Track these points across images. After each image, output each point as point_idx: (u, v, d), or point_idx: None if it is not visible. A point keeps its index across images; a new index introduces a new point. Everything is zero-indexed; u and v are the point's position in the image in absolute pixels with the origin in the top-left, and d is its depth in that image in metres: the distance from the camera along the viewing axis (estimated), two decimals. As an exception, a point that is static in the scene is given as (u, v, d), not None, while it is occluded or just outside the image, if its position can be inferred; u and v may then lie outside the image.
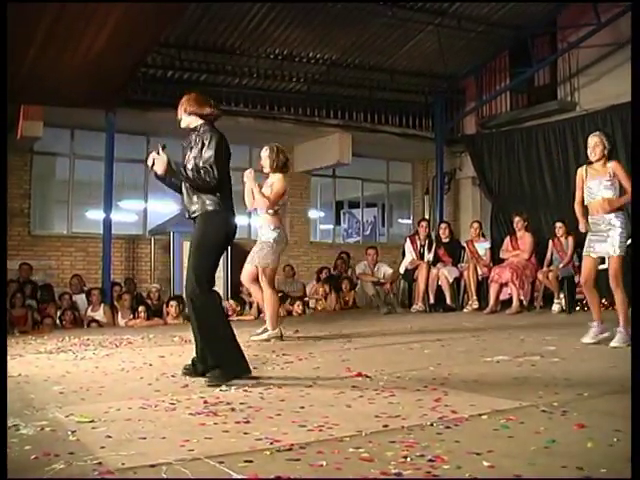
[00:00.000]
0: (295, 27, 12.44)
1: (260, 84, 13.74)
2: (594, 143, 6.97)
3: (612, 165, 6.86)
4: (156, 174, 5.44)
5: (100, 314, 11.36)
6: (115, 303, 11.80)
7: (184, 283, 5.34)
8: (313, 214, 16.31)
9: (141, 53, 10.20)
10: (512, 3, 12.74)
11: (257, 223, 8.55)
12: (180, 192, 5.60)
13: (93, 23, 8.76)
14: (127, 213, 14.47)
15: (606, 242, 6.80)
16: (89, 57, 9.52)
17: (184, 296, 5.58)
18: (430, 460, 2.90)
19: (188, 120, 5.45)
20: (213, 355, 5.14)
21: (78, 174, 13.36)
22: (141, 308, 11.42)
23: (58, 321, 11.13)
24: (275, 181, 7.88)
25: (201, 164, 5.18)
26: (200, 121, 5.40)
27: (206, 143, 5.24)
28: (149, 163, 5.43)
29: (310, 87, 14.23)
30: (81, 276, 12.43)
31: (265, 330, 7.86)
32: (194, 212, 5.32)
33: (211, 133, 5.29)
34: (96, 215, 13.13)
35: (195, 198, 5.30)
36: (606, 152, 6.91)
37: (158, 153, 5.34)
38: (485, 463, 2.84)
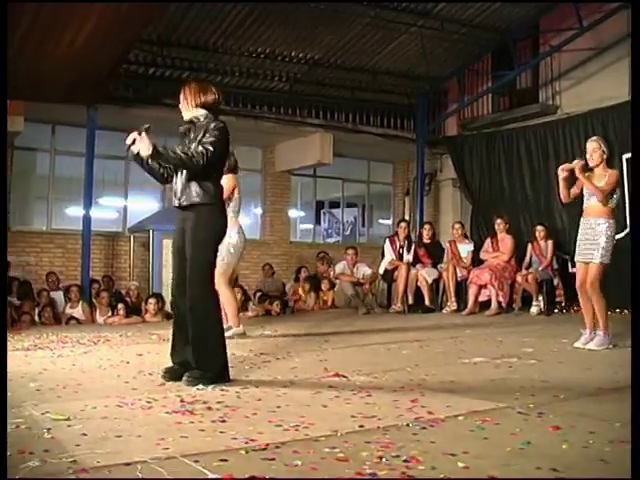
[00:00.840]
0: (278, 26, 12.41)
1: (242, 82, 13.71)
2: (592, 148, 6.98)
3: (609, 174, 6.87)
4: (136, 156, 5.07)
5: (78, 311, 11.30)
6: (94, 300, 11.73)
7: (168, 282, 5.24)
8: (293, 213, 16.31)
9: (123, 49, 10.16)
10: (495, 5, 12.77)
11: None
12: (158, 179, 5.39)
13: (75, 19, 8.72)
14: (107, 210, 14.42)
15: (592, 248, 6.83)
16: (70, 53, 9.47)
17: (170, 293, 5.38)
18: (405, 460, 2.91)
19: (192, 113, 5.22)
20: (199, 358, 4.95)
21: (58, 170, 13.28)
22: (120, 305, 11.37)
23: (37, 318, 11.06)
24: (225, 180, 7.88)
25: (199, 147, 4.94)
26: (203, 111, 5.19)
27: (209, 130, 5.03)
28: (128, 142, 5.02)
29: (292, 86, 14.22)
30: (56, 273, 12.35)
31: (229, 328, 7.88)
32: (185, 200, 5.08)
33: (215, 122, 5.10)
34: (76, 212, 13.07)
35: (192, 186, 5.06)
36: (605, 156, 6.93)
37: (140, 134, 4.96)
38: (460, 464, 2.86)
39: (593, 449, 3.08)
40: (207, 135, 5.03)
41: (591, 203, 6.93)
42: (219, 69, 13.32)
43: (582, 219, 7.03)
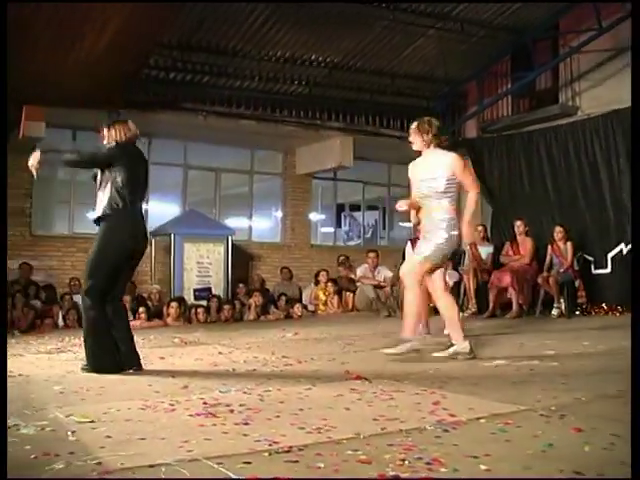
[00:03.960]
0: (297, 30, 12.43)
1: (262, 86, 13.74)
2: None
3: None
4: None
5: (101, 315, 11.34)
6: (116, 304, 11.77)
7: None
8: (314, 217, 16.31)
9: (143, 54, 10.22)
10: (514, 6, 12.74)
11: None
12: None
13: (95, 23, 8.78)
14: (128, 214, 14.46)
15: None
16: (91, 57, 9.53)
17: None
18: (428, 463, 2.90)
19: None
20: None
21: (80, 175, 13.28)
22: (141, 309, 11.43)
23: (62, 321, 11.16)
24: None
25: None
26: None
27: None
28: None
29: (312, 90, 14.22)
30: (79, 279, 12.40)
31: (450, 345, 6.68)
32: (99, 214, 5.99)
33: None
34: (97, 216, 13.11)
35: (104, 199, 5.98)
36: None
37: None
38: (482, 467, 2.85)
39: (615, 451, 3.05)
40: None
41: None
42: (239, 73, 13.35)
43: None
